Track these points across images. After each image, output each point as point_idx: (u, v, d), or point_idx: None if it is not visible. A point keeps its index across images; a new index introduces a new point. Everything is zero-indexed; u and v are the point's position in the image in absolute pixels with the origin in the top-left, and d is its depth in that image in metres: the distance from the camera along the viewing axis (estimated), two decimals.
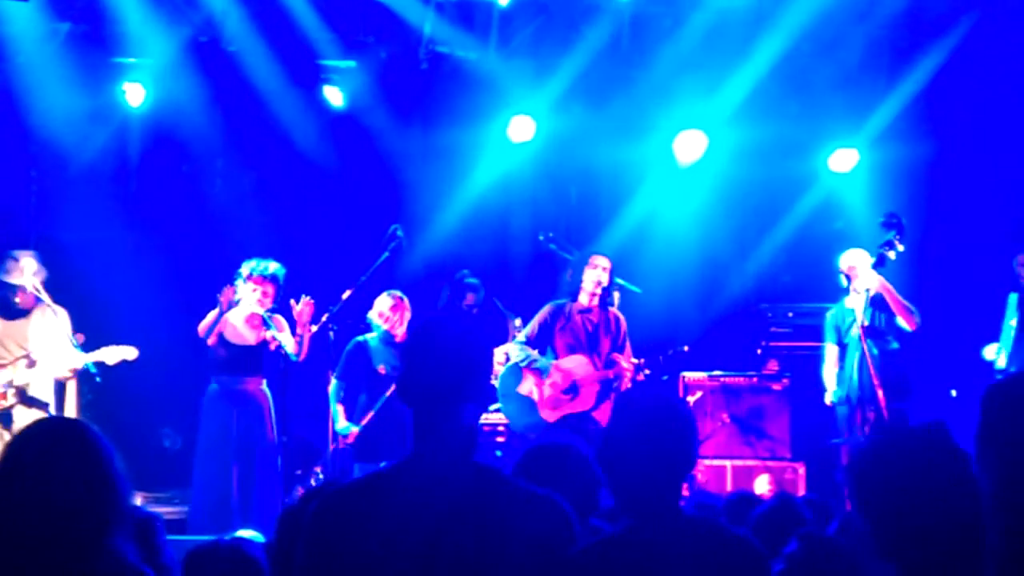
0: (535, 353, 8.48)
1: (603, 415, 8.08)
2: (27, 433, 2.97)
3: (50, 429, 2.98)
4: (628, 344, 8.55)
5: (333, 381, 8.54)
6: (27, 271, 8.01)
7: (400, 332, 8.40)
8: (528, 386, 8.52)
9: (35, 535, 2.77)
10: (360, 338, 8.57)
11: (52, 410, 8.02)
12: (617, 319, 8.56)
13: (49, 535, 2.77)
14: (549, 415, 8.41)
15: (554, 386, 8.39)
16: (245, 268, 8.27)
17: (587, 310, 8.49)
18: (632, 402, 3.14)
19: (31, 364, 7.91)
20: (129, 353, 8.11)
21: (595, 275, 8.45)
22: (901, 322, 8.32)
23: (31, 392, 7.90)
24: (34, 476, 2.81)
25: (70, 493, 2.80)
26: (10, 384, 7.86)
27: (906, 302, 8.30)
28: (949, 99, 10.27)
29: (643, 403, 3.08)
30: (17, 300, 8.04)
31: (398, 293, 8.55)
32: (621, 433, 3.03)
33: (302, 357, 8.35)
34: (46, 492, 2.79)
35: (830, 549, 3.49)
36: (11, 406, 7.81)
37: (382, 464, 8.16)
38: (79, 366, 8.01)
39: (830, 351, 8.71)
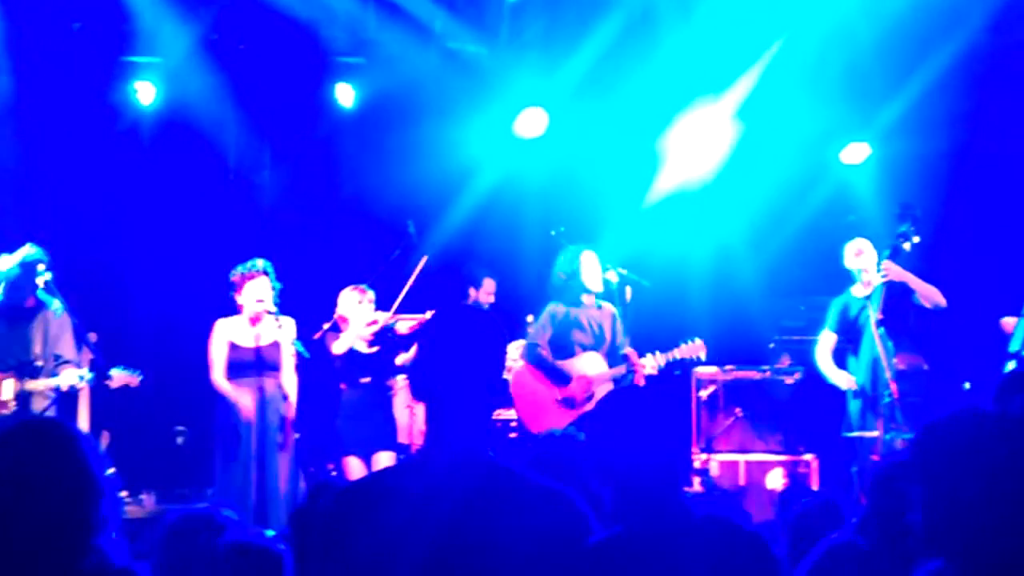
0: (548, 355, 8.49)
1: None
2: (5, 434, 2.94)
3: (29, 429, 2.93)
4: (626, 338, 8.54)
5: None
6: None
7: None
8: (537, 392, 8.50)
9: (17, 537, 2.74)
10: None
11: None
12: (613, 314, 8.57)
13: (32, 537, 2.74)
14: (563, 418, 8.40)
15: (570, 389, 8.39)
16: (236, 273, 8.21)
17: (591, 307, 8.49)
18: (619, 403, 3.18)
19: (34, 373, 7.74)
20: (132, 379, 8.01)
21: (592, 271, 8.46)
22: (935, 299, 8.24)
23: (34, 402, 7.68)
24: (14, 477, 2.77)
25: (52, 494, 2.76)
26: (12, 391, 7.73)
27: (928, 285, 8.26)
28: (962, 92, 10.21)
29: (628, 404, 3.13)
30: (26, 303, 7.86)
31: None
32: (614, 434, 3.07)
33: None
34: (27, 493, 2.75)
35: (855, 555, 3.45)
36: (11, 414, 7.55)
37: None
38: (84, 383, 7.79)
39: (826, 337, 8.64)
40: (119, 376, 7.91)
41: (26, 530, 2.75)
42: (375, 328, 8.49)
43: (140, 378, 7.99)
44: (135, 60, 10.12)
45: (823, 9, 9.67)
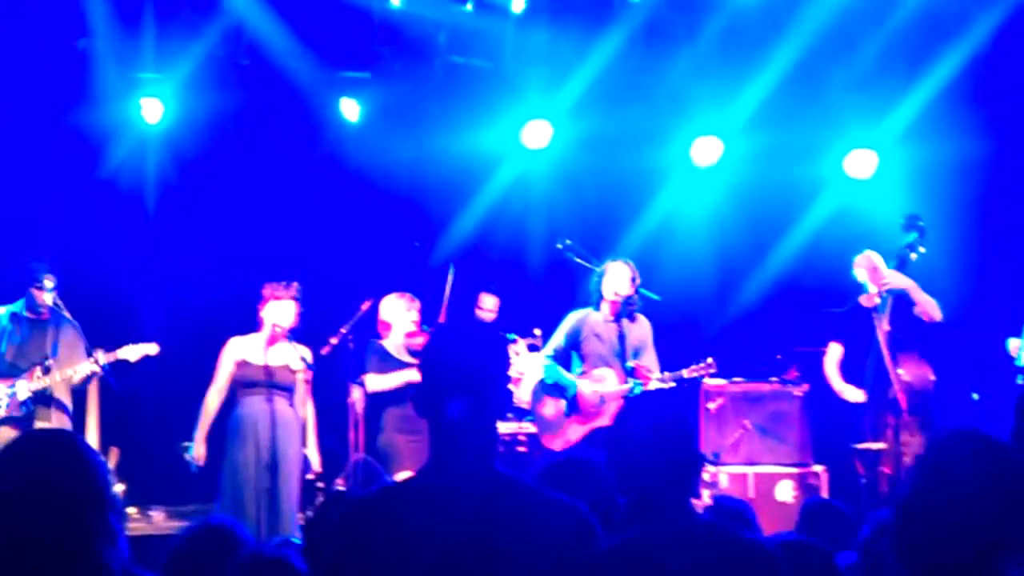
0: (560, 369, 8.47)
1: None
2: (14, 444, 2.96)
3: (37, 440, 2.99)
4: (653, 351, 8.49)
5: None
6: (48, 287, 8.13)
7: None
8: (553, 407, 8.50)
9: (21, 544, 2.76)
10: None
11: (69, 415, 8.17)
12: (641, 326, 8.53)
13: (35, 544, 2.76)
14: (577, 430, 8.38)
15: (581, 403, 8.36)
16: (267, 288, 8.29)
17: (613, 319, 8.44)
18: (637, 409, 3.17)
19: (46, 371, 7.99)
20: (150, 349, 8.16)
21: (615, 283, 8.41)
22: (932, 313, 8.25)
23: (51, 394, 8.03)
24: (21, 486, 2.80)
25: (57, 504, 2.79)
26: (29, 392, 7.98)
27: (928, 297, 8.27)
28: (970, 99, 10.19)
29: (647, 409, 3.13)
30: (40, 314, 8.19)
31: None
32: (628, 439, 3.06)
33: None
34: (33, 503, 2.78)
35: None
36: (30, 413, 7.93)
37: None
38: (98, 369, 8.03)
39: (833, 349, 8.77)
40: (133, 350, 8.04)
41: (32, 539, 2.75)
42: (419, 342, 8.46)
43: (157, 347, 8.15)
44: (141, 76, 10.13)
45: (826, 19, 9.67)
